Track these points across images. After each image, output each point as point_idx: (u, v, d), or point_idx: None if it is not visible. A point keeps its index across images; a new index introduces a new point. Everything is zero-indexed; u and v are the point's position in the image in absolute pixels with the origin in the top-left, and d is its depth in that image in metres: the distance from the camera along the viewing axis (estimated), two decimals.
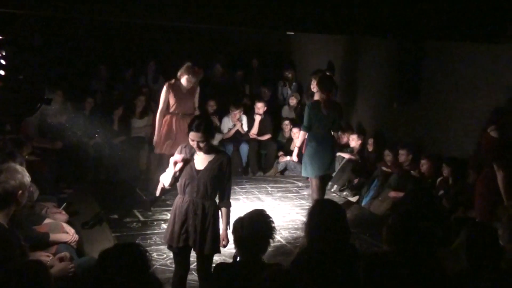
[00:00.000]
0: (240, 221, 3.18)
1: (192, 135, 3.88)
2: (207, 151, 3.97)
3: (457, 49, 7.17)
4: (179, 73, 6.64)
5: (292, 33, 9.30)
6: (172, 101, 6.67)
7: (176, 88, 6.66)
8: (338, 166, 8.15)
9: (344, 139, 8.65)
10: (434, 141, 7.62)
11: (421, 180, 7.03)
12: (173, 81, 6.70)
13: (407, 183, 7.07)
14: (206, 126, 3.92)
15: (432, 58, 7.68)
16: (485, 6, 6.29)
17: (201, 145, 3.90)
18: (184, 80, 6.61)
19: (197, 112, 6.85)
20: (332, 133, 6.46)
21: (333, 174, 7.56)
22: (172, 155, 4.05)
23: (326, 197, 7.51)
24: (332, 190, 8.08)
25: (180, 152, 4.01)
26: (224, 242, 3.98)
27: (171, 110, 6.71)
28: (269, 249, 3.24)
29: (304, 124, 6.38)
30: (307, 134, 6.37)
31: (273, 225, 3.18)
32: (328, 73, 8.80)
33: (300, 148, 6.70)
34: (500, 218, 3.37)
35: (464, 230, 3.04)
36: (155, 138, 6.85)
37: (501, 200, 4.56)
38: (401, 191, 7.00)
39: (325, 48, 10.06)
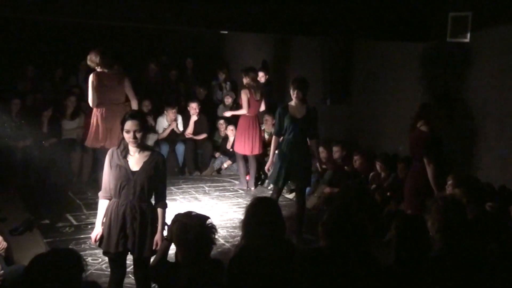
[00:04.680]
0: (183, 228, 3.09)
1: (129, 124, 3.75)
2: (142, 148, 3.88)
3: (385, 47, 7.42)
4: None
5: (226, 32, 9.31)
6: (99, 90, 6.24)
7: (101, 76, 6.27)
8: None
9: (280, 138, 8.74)
10: (366, 137, 7.86)
11: (355, 176, 7.22)
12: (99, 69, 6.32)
13: (341, 179, 7.25)
14: (141, 115, 3.88)
15: (362, 57, 7.91)
16: (411, 7, 6.55)
17: (138, 135, 3.76)
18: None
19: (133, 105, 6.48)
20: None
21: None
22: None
23: (263, 195, 7.60)
24: (269, 188, 8.15)
25: (111, 157, 3.88)
26: (158, 244, 3.87)
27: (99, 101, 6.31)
28: None
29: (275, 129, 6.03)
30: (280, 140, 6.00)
31: (214, 235, 3.13)
32: (262, 73, 8.95)
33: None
34: (429, 209, 3.50)
35: (394, 222, 3.14)
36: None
37: (431, 193, 4.74)
38: (335, 187, 7.16)
39: (259, 47, 10.14)
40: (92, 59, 6.26)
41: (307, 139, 5.98)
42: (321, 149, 7.90)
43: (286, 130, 5.87)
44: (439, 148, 4.99)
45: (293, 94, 5.88)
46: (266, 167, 6.44)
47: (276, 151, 6.13)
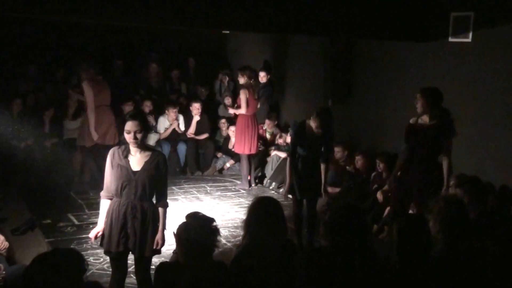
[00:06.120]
0: (185, 228, 3.08)
1: (129, 125, 3.74)
2: (143, 148, 3.88)
3: (387, 47, 7.41)
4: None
5: (228, 31, 9.31)
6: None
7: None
8: (275, 164, 8.26)
9: (280, 140, 8.77)
10: (367, 137, 7.85)
11: (356, 176, 7.21)
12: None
13: (343, 179, 7.24)
14: (142, 115, 3.89)
15: (363, 57, 7.90)
16: (412, 6, 6.54)
17: (138, 136, 3.76)
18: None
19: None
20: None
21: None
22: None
23: (264, 194, 7.60)
24: (271, 187, 8.16)
25: (113, 156, 3.88)
26: (159, 244, 3.90)
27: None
28: None
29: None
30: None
31: (218, 237, 3.12)
32: (263, 72, 8.95)
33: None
34: (431, 209, 3.50)
35: (395, 222, 3.14)
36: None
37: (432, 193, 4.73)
38: (337, 187, 7.16)
39: (260, 47, 10.14)
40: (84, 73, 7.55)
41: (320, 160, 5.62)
42: (336, 149, 7.48)
43: (302, 147, 5.52)
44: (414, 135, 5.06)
45: (316, 124, 5.46)
46: (283, 193, 5.99)
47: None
